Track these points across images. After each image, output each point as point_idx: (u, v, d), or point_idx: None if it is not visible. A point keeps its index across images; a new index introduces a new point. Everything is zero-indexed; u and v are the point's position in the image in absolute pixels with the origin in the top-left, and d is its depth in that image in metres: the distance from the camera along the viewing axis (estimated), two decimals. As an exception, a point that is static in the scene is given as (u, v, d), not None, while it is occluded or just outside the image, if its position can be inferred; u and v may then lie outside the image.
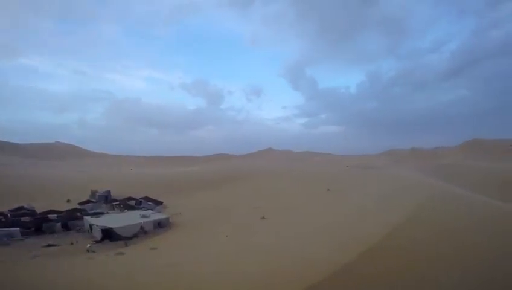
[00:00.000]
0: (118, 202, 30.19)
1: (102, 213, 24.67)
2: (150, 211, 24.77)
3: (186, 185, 40.37)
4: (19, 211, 24.26)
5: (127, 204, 29.44)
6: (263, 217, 20.60)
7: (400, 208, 13.46)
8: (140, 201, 30.49)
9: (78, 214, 23.41)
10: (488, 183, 29.88)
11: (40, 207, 25.17)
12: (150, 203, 29.79)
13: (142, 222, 20.06)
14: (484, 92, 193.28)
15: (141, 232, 19.21)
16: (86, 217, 21.49)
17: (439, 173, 39.89)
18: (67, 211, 24.24)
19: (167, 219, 22.24)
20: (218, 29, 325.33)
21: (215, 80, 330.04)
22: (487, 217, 12.43)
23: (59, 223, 20.33)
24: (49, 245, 15.78)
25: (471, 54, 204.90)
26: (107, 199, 31.82)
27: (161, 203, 30.52)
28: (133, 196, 32.31)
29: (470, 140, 76.70)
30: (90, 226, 19.54)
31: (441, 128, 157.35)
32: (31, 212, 23.66)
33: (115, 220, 20.60)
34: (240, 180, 42.70)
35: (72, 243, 16.47)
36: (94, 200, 30.77)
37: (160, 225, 21.01)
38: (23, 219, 21.22)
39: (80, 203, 28.41)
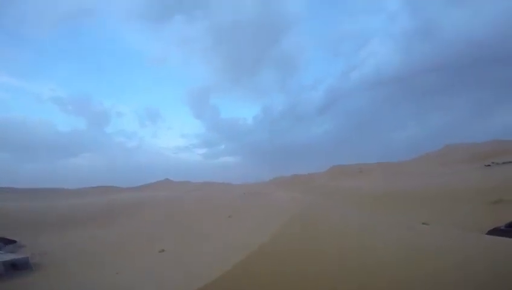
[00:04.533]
0: None
1: None
2: None
3: (54, 222, 32.04)
4: None
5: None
6: (162, 250, 18.72)
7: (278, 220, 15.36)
8: (-17, 241, 22.24)
9: None
10: (349, 198, 38.61)
11: None
12: (-4, 242, 22.25)
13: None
14: (343, 125, 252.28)
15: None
16: None
17: (314, 192, 48.55)
18: None
19: (25, 258, 17.64)
20: (119, 42, 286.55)
21: (102, 97, 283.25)
22: (347, 218, 16.13)
23: None
24: None
25: (337, 91, 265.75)
26: None
27: (14, 241, 24.37)
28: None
29: (332, 166, 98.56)
30: None
31: (314, 156, 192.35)
32: None
33: None
34: (132, 213, 37.61)
35: None
36: None
37: (15, 267, 16.32)
38: None
39: None
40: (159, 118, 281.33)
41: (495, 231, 11.45)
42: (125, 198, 56.91)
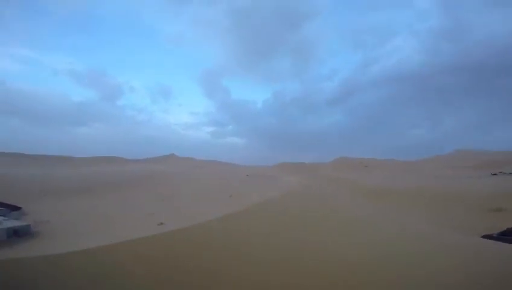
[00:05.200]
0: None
1: None
2: (0, 217, 19.15)
3: (60, 190, 33.29)
4: None
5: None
6: (161, 223, 19.48)
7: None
8: (-12, 206, 23.12)
9: None
10: (350, 190, 38.85)
11: None
12: (1, 208, 23.06)
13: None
14: (353, 118, 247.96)
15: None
16: None
17: (318, 179, 48.93)
18: None
19: (27, 226, 17.99)
20: (138, 20, 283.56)
21: (116, 71, 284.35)
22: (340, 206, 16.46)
23: None
24: None
25: (353, 84, 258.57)
26: None
27: (19, 208, 24.62)
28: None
29: (338, 157, 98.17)
30: None
31: (320, 146, 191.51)
32: None
33: None
34: (134, 185, 38.83)
35: None
36: None
37: (17, 234, 16.66)
38: None
39: None
40: (171, 95, 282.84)
41: (487, 238, 11.54)
42: (129, 170, 58.49)
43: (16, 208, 24.52)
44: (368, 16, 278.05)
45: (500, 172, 49.42)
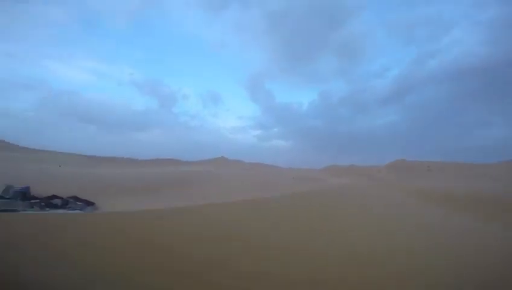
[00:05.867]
0: (38, 200, 26.24)
1: (16, 210, 21.08)
2: (78, 212, 22.16)
3: (127, 187, 37.43)
4: None
5: (50, 203, 25.79)
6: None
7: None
8: (68, 201, 27.05)
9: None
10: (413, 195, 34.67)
11: None
12: (79, 203, 26.73)
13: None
14: (411, 117, 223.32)
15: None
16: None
17: (369, 182, 45.03)
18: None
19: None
20: (182, 29, 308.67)
21: (170, 80, 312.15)
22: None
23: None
24: None
25: (408, 80, 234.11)
26: (25, 195, 27.35)
27: (93, 203, 27.54)
28: (59, 195, 28.50)
29: (396, 160, 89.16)
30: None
31: (375, 148, 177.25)
32: None
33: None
34: (190, 185, 41.46)
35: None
36: (7, 197, 26.12)
37: None
38: None
39: (-13, 200, 23.84)
40: (220, 100, 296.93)
41: None
42: (184, 171, 62.86)
43: (90, 203, 27.65)
44: (418, 8, 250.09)
45: None
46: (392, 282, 4.14)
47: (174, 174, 51.66)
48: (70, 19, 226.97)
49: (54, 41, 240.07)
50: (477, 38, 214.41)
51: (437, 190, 29.33)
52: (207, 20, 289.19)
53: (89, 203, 27.50)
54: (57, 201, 27.54)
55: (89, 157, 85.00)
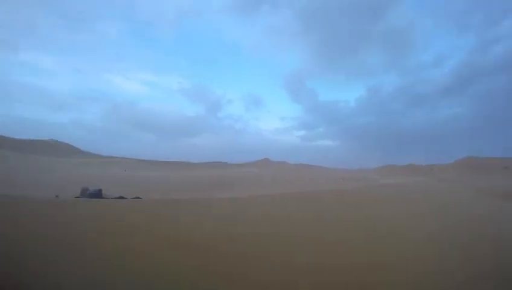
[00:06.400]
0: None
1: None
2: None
3: (180, 188, 40.18)
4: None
5: (118, 203, 29.16)
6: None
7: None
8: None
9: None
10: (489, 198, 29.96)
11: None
12: (141, 203, 29.76)
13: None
14: (479, 110, 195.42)
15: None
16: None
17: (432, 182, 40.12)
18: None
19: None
20: (219, 35, 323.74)
21: (215, 87, 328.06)
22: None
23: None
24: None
25: (470, 69, 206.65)
26: (98, 196, 31.28)
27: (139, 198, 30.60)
28: (124, 196, 31.96)
29: (464, 157, 78.11)
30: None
31: (436, 145, 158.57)
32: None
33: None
34: (234, 186, 42.65)
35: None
36: (84, 198, 30.23)
37: None
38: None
39: (69, 200, 27.98)
40: (261, 102, 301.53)
41: None
42: (233, 172, 64.99)
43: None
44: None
45: None
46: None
47: (220, 176, 53.82)
48: (123, 34, 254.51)
49: (111, 56, 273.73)
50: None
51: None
52: (241, 24, 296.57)
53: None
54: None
55: (148, 161, 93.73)
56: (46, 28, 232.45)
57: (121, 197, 31.49)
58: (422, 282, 4.12)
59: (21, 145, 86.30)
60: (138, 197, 30.34)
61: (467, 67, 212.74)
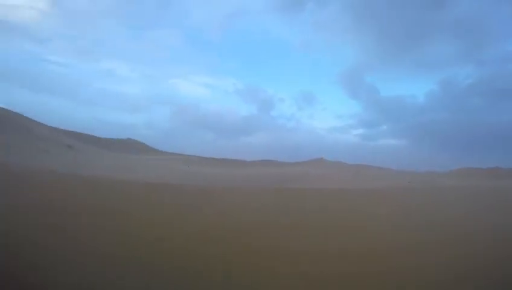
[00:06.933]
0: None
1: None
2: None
3: (235, 186, 42.43)
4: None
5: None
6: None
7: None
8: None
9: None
10: None
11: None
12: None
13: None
14: None
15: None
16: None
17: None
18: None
19: None
20: (266, 35, 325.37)
21: (267, 86, 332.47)
22: None
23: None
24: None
25: None
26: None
27: None
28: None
29: None
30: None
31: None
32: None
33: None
34: (293, 183, 43.00)
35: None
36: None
37: None
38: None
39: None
40: (315, 100, 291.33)
41: None
42: (286, 171, 65.35)
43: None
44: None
45: None
46: None
47: (275, 174, 54.73)
48: (180, 40, 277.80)
49: (173, 62, 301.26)
50: None
51: None
52: (287, 23, 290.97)
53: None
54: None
55: (208, 159, 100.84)
56: (118, 38, 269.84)
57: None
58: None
59: (106, 143, 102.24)
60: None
61: None
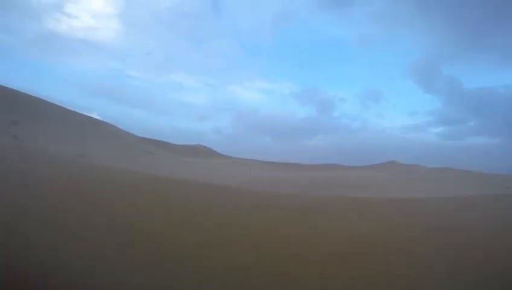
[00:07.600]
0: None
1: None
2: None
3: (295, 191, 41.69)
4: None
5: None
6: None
7: None
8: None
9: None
10: None
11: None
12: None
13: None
14: None
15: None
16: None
17: None
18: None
19: None
20: (316, 34, 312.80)
21: (325, 87, 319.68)
22: None
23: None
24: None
25: None
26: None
27: None
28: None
29: None
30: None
31: None
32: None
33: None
34: (358, 190, 40.06)
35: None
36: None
37: None
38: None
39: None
40: (382, 98, 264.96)
41: None
42: (351, 176, 61.09)
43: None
44: None
45: None
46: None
47: (337, 179, 51.62)
48: (234, 48, 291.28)
49: (230, 69, 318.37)
50: None
51: None
52: (337, 19, 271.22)
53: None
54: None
55: (266, 163, 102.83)
56: (181, 52, 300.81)
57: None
58: None
59: (179, 149, 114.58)
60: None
61: None
